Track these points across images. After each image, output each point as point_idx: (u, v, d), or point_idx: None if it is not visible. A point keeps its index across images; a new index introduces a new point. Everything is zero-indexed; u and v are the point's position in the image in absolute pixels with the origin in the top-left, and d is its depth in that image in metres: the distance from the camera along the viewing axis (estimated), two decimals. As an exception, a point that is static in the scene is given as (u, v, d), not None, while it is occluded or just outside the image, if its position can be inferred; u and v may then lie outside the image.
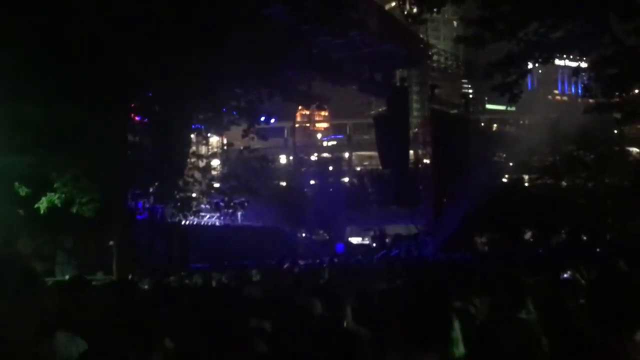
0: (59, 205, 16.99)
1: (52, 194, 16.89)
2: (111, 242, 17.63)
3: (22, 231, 17.01)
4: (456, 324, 3.53)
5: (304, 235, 46.57)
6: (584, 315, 4.46)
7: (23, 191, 16.26)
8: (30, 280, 2.89)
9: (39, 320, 2.77)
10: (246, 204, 30.12)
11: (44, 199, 16.88)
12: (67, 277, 16.34)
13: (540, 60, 22.77)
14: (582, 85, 25.18)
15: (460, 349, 3.06)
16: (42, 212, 16.98)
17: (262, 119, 28.95)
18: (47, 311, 3.81)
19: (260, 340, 4.13)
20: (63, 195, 16.90)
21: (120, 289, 6.75)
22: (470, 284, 6.62)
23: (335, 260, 27.32)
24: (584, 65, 25.94)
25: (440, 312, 2.92)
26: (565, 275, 11.55)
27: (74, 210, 17.19)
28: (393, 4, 37.86)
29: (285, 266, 20.81)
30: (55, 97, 12.83)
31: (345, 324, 5.08)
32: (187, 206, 24.96)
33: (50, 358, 4.12)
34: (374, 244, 45.26)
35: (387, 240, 41.01)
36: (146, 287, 10.55)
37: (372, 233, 49.12)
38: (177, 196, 23.89)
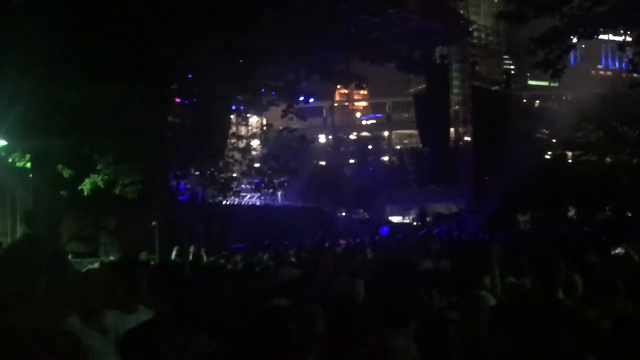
0: (102, 187, 17.23)
1: (95, 176, 17.11)
2: (153, 223, 17.81)
3: (66, 213, 17.37)
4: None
5: (343, 214, 46.56)
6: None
7: (66, 173, 16.49)
8: (59, 267, 2.99)
9: (68, 303, 2.89)
10: (286, 184, 30.24)
11: (87, 180, 17.12)
12: (110, 257, 16.61)
13: (584, 35, 22.29)
14: (627, 60, 24.60)
15: None
16: (85, 193, 17.23)
17: (301, 98, 28.94)
18: (79, 295, 3.86)
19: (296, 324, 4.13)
20: (106, 177, 17.13)
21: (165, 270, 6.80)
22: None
23: (377, 238, 27.29)
24: (629, 39, 25.28)
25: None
26: (617, 251, 11.39)
27: (117, 191, 17.41)
28: (432, -20, 37.25)
29: (327, 245, 20.84)
30: (94, 80, 12.92)
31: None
32: (227, 187, 25.14)
33: (101, 334, 4.20)
34: (415, 223, 45.09)
35: (427, 219, 40.79)
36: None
37: (412, 212, 48.90)
38: (218, 177, 24.06)
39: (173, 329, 3.66)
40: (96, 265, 14.14)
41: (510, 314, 2.97)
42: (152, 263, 12.29)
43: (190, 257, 13.48)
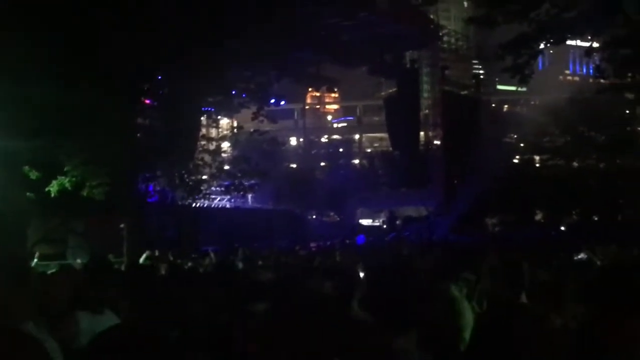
0: (70, 188, 17.01)
1: (63, 177, 16.91)
2: (122, 225, 17.67)
3: (33, 215, 17.16)
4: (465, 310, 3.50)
5: (314, 217, 46.60)
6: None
7: (34, 175, 16.28)
8: (22, 274, 3.06)
9: (33, 307, 2.97)
10: (256, 186, 30.17)
11: (54, 182, 16.90)
12: (78, 260, 16.43)
13: (552, 41, 22.61)
14: (594, 65, 24.97)
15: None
16: (52, 195, 17.02)
17: (272, 101, 28.94)
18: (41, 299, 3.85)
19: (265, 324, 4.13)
20: (73, 179, 16.92)
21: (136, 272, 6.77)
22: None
23: (347, 241, 27.33)
24: (596, 45, 25.68)
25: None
26: (580, 256, 11.53)
27: (85, 193, 17.22)
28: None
29: (297, 248, 20.84)
30: (64, 81, 12.80)
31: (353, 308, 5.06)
32: (197, 189, 25.02)
33: (73, 336, 4.17)
34: (385, 226, 45.26)
35: (397, 222, 40.96)
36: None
37: (382, 215, 49.08)
38: (187, 179, 23.94)
39: (144, 332, 3.64)
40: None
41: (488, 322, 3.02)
42: (117, 266, 12.19)
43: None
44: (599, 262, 9.21)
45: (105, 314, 4.50)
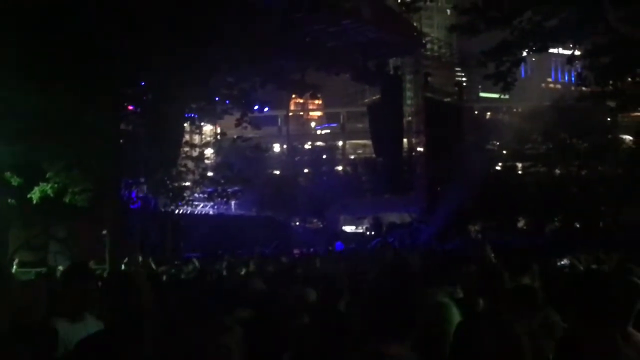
0: (52, 195, 16.90)
1: (45, 183, 16.79)
2: (104, 232, 17.56)
3: (14, 221, 17.02)
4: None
5: (297, 223, 46.57)
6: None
7: (15, 181, 16.16)
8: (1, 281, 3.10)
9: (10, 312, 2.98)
10: (240, 193, 30.10)
11: (36, 188, 16.78)
12: (59, 267, 16.31)
13: (534, 48, 22.73)
14: (576, 73, 25.16)
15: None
16: (34, 202, 16.89)
17: (256, 107, 28.82)
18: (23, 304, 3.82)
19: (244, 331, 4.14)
20: (56, 185, 16.80)
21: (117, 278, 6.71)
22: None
23: (330, 248, 27.34)
24: (577, 52, 25.89)
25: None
26: (563, 262, 11.59)
27: (67, 200, 17.10)
28: (387, -9, 37.62)
29: (280, 255, 20.79)
30: (46, 86, 12.72)
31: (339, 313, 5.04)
32: (179, 196, 24.91)
33: (52, 344, 4.13)
34: (368, 232, 45.31)
35: (382, 228, 41.03)
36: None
37: (365, 221, 49.13)
38: (170, 186, 23.83)
39: (126, 338, 3.61)
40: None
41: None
42: (98, 272, 12.12)
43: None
44: (581, 269, 9.26)
45: (85, 320, 4.45)
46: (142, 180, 22.74)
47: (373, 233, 42.03)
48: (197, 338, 3.58)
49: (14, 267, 15.26)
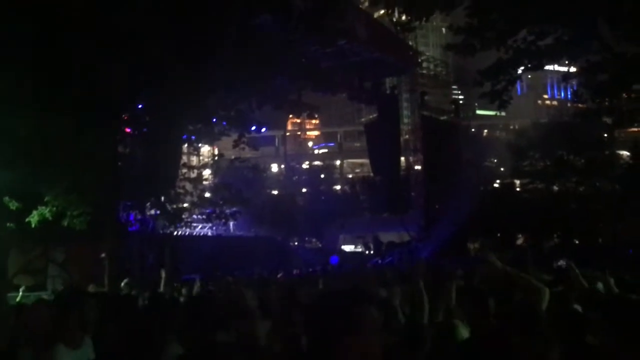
0: (50, 218, 16.86)
1: (43, 207, 16.76)
2: (103, 255, 17.54)
3: (13, 245, 16.96)
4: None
5: (296, 243, 46.52)
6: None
7: (13, 205, 16.12)
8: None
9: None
10: (238, 214, 30.10)
11: (34, 212, 16.74)
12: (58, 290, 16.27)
13: (529, 67, 22.85)
14: (572, 90, 25.28)
15: None
16: (33, 226, 16.86)
17: (253, 128, 28.96)
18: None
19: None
20: (54, 209, 16.77)
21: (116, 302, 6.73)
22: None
23: (329, 268, 27.30)
24: (573, 69, 26.01)
25: None
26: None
27: (65, 223, 17.07)
28: (382, 12, 37.86)
29: (279, 276, 20.75)
30: (44, 110, 12.75)
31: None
32: (178, 217, 24.90)
33: None
34: (367, 252, 45.26)
35: (381, 247, 40.99)
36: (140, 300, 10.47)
37: (364, 241, 49.10)
38: (168, 208, 23.83)
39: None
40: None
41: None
42: (99, 295, 12.07)
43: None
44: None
45: (84, 345, 4.45)
46: (140, 202, 22.76)
47: (373, 252, 42.02)
48: None
49: (20, 293, 15.17)
